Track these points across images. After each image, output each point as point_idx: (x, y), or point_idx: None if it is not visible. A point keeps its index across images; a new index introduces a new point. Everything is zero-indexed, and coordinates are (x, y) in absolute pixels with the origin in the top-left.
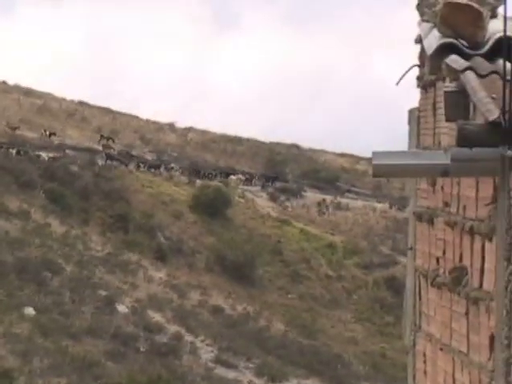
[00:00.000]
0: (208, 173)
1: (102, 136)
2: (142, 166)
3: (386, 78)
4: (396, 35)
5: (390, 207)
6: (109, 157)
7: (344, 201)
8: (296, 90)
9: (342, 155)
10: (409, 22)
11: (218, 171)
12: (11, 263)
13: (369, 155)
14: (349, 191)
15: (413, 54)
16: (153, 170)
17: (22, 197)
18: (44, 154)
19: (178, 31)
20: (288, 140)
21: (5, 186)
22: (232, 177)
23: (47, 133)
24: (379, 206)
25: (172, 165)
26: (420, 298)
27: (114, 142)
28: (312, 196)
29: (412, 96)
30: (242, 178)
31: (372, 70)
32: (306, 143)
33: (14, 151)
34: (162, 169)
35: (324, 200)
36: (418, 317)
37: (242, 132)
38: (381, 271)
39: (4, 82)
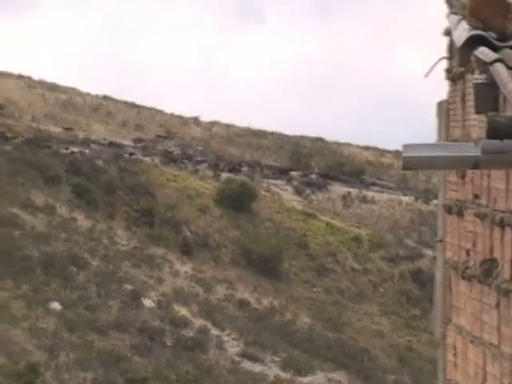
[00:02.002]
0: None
1: (158, 136)
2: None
3: (412, 72)
4: (423, 29)
5: (416, 200)
6: (170, 159)
7: (369, 194)
8: (320, 84)
9: (367, 148)
10: (437, 14)
11: (277, 169)
12: (37, 258)
13: (393, 148)
14: (374, 184)
15: (440, 47)
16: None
17: (48, 191)
18: (76, 150)
19: (201, 24)
20: (313, 133)
21: (31, 181)
22: (292, 173)
23: (105, 141)
24: (405, 199)
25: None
26: (450, 291)
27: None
28: (337, 189)
29: (435, 90)
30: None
31: (398, 65)
32: (330, 136)
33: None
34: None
35: (349, 193)
36: (448, 309)
37: (267, 125)
38: (406, 264)
39: (29, 78)
